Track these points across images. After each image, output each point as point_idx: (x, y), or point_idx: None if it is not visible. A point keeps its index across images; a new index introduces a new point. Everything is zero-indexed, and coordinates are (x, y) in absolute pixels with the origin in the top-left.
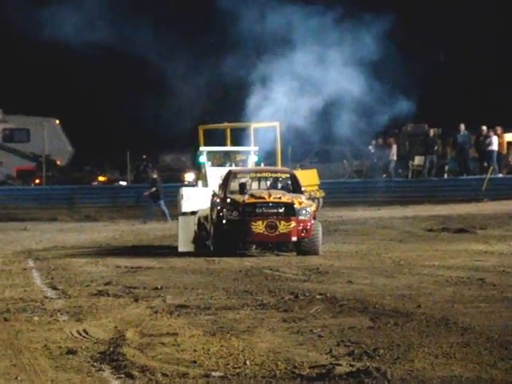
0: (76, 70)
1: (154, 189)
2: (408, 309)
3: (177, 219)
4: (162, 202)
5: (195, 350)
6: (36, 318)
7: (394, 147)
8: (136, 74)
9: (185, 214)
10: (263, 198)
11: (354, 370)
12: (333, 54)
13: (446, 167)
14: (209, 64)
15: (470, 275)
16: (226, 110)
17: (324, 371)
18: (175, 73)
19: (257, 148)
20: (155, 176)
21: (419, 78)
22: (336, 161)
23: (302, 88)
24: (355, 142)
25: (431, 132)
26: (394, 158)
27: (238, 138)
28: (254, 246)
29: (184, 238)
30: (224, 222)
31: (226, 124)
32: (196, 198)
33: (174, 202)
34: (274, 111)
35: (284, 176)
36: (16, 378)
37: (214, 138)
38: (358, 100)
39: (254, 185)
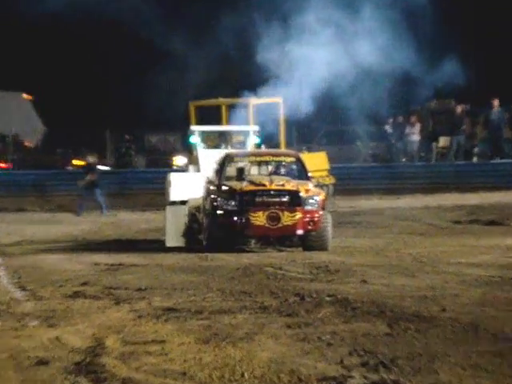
0: (50, 38)
1: (90, 176)
2: (431, 313)
3: (161, 209)
4: (98, 191)
5: (185, 360)
6: (0, 323)
7: (418, 126)
8: (117, 43)
9: (173, 203)
10: (264, 185)
11: (368, 383)
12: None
13: (476, 149)
14: (206, 30)
15: (502, 274)
16: (224, 84)
17: None
18: (163, 41)
19: (257, 127)
20: (92, 160)
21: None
22: (348, 142)
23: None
24: (371, 121)
25: (458, 108)
26: (418, 138)
27: (236, 116)
28: (254, 241)
29: (173, 232)
30: (219, 212)
31: (220, 100)
32: (186, 185)
33: (161, 189)
34: (276, 87)
35: (288, 160)
36: None
37: (208, 117)
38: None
39: (254, 170)
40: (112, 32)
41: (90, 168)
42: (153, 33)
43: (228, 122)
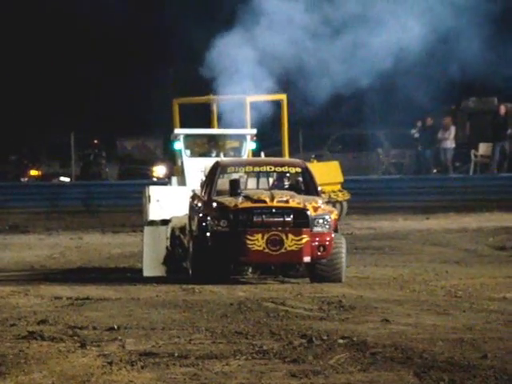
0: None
1: None
2: (469, 360)
3: (138, 231)
4: None
5: None
6: None
7: (452, 130)
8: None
9: (153, 223)
10: (263, 201)
11: None
12: None
13: None
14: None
15: None
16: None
17: None
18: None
19: (255, 131)
20: None
21: None
22: (366, 149)
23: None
24: (394, 123)
25: (502, 109)
26: (452, 145)
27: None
28: (251, 270)
29: (151, 258)
30: (208, 234)
31: (211, 97)
32: (169, 201)
33: (138, 206)
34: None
35: (293, 170)
36: None
37: (195, 118)
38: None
39: (251, 183)
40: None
41: None
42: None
43: (219, 125)
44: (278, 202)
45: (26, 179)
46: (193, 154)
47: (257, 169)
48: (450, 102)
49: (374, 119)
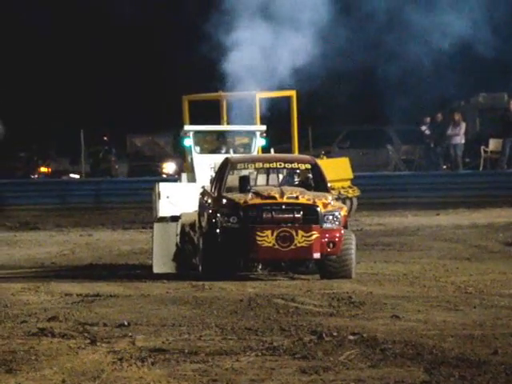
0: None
1: None
2: (480, 356)
3: (148, 227)
4: None
5: None
6: None
7: (462, 126)
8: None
9: (162, 219)
10: (273, 197)
11: None
12: None
13: None
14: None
15: None
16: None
17: None
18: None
19: (264, 127)
20: None
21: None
22: (376, 146)
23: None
24: (404, 119)
25: None
26: (462, 141)
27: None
28: (261, 266)
29: (161, 255)
30: (218, 231)
31: (221, 93)
32: (178, 198)
33: (148, 203)
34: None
35: (303, 167)
36: None
37: (205, 114)
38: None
39: (261, 179)
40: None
41: None
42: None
43: (229, 121)
44: (288, 198)
45: (36, 176)
46: (202, 151)
47: (266, 165)
48: (459, 97)
49: (384, 115)
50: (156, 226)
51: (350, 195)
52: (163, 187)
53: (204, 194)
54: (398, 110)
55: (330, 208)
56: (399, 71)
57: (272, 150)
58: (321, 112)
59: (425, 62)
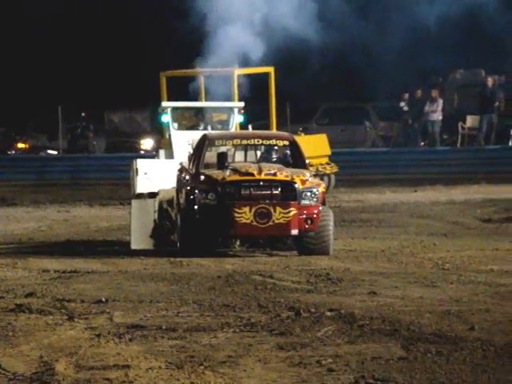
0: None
1: None
2: (456, 332)
3: (125, 204)
4: None
5: None
6: None
7: (440, 102)
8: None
9: (140, 196)
10: (251, 174)
11: None
12: None
13: None
14: None
15: None
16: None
17: None
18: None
19: (242, 104)
20: None
21: None
22: (354, 122)
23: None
24: (382, 96)
25: (490, 81)
26: (439, 117)
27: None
28: (239, 242)
29: (139, 231)
30: (196, 207)
31: (198, 69)
32: (156, 174)
33: (126, 179)
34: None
35: (281, 144)
36: None
37: (183, 91)
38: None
39: (239, 156)
40: None
41: None
42: None
43: (207, 98)
44: (266, 174)
45: (14, 152)
46: (180, 127)
47: (244, 142)
48: (437, 74)
49: (361, 91)
50: (134, 202)
51: (327, 172)
52: (141, 164)
53: (182, 170)
54: (376, 87)
55: (307, 184)
56: (379, 47)
57: (250, 127)
58: (298, 89)
59: (406, 36)
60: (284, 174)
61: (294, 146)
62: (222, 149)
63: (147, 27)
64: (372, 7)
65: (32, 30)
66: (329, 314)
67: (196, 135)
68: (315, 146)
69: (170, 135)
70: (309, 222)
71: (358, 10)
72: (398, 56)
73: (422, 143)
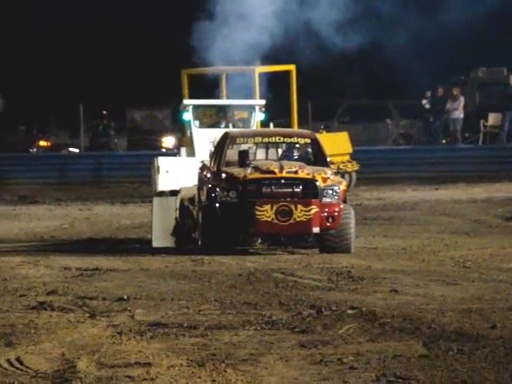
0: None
1: None
2: (478, 330)
3: (147, 202)
4: None
5: None
6: None
7: (461, 100)
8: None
9: (162, 194)
10: (273, 172)
11: None
12: None
13: None
14: None
15: None
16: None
17: None
18: None
19: (264, 101)
20: None
21: None
22: (375, 120)
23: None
24: (404, 93)
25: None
26: (461, 115)
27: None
28: (260, 240)
29: (160, 229)
30: (217, 205)
31: (220, 67)
32: (178, 172)
33: (147, 177)
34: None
35: (302, 141)
36: None
37: (205, 88)
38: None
39: (260, 154)
40: None
41: None
42: None
43: (229, 95)
44: (287, 172)
45: (35, 150)
46: (202, 125)
47: (266, 140)
48: (459, 72)
49: (383, 89)
50: (155, 200)
51: (349, 170)
52: (162, 161)
53: (203, 168)
54: (398, 84)
55: (329, 182)
56: (401, 46)
57: (271, 125)
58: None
59: (427, 36)
60: (305, 171)
61: (315, 144)
62: (244, 147)
63: (168, 25)
64: (395, 4)
65: (55, 29)
66: (350, 311)
67: (217, 133)
68: (337, 143)
69: (191, 133)
70: (330, 219)
71: (380, 8)
72: (420, 54)
73: (444, 141)
